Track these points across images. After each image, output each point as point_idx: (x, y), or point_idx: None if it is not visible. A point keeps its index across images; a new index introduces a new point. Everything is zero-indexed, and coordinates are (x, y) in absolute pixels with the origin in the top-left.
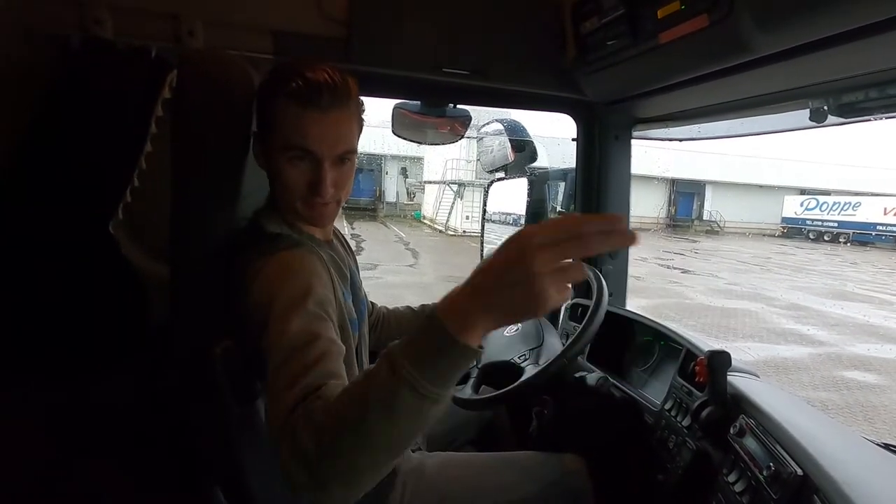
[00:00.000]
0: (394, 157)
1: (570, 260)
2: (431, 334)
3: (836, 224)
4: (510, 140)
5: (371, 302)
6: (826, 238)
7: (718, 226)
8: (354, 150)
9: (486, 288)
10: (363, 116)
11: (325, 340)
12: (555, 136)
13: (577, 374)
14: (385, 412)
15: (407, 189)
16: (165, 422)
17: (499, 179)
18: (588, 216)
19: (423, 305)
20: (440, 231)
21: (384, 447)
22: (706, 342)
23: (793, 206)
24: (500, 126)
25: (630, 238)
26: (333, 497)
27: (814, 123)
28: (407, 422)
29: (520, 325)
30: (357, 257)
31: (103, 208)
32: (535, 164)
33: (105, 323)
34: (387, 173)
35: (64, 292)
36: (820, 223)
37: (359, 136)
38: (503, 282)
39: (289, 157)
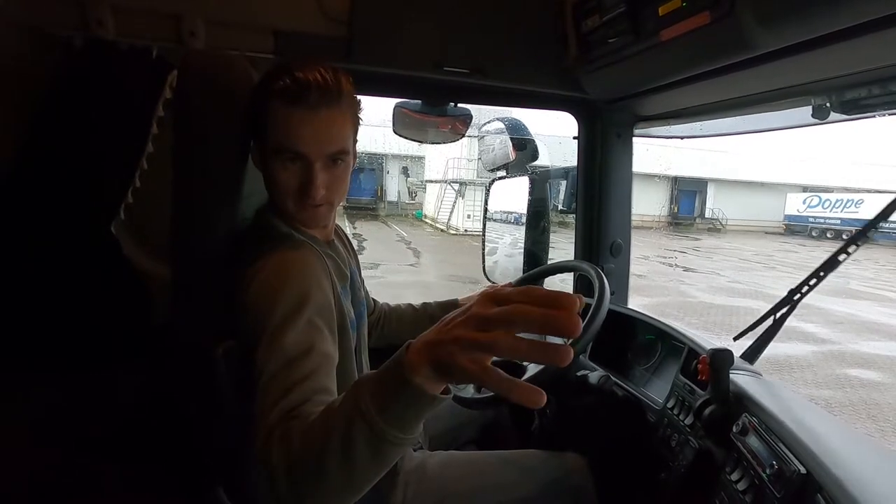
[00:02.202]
0: (395, 157)
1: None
2: (394, 367)
3: (838, 221)
4: (511, 139)
5: (373, 299)
6: (829, 235)
7: (721, 224)
8: (347, 151)
9: (435, 343)
10: (360, 115)
11: (317, 354)
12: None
13: (579, 373)
14: (343, 443)
15: (408, 188)
16: (167, 421)
17: (500, 178)
18: (537, 294)
19: (424, 303)
20: (442, 230)
21: (345, 483)
22: (708, 340)
23: (795, 204)
24: (501, 125)
25: (561, 355)
26: None
27: (816, 120)
28: (362, 459)
29: None
30: (359, 257)
31: (105, 209)
32: (536, 163)
33: (107, 323)
34: (388, 172)
35: (66, 293)
36: (822, 221)
37: (354, 135)
38: (444, 345)
39: (280, 159)
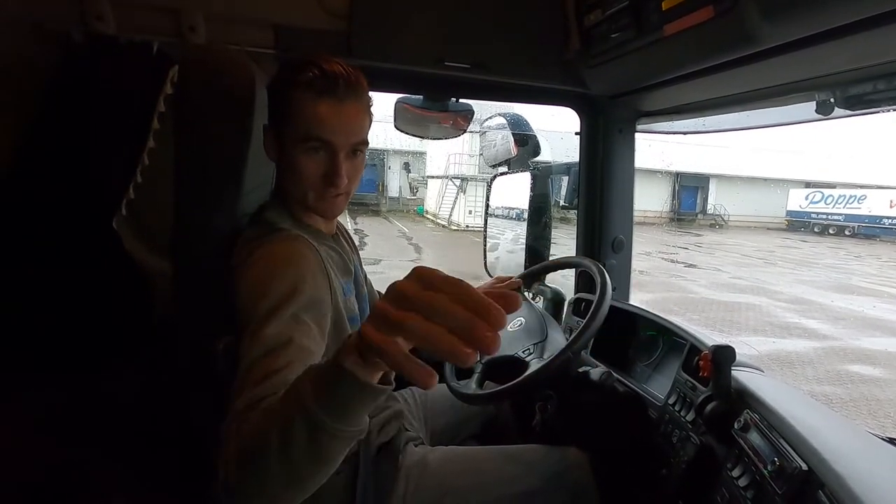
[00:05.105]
0: (396, 152)
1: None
2: (333, 358)
3: (841, 217)
4: (513, 134)
5: (378, 292)
6: (831, 231)
7: (723, 219)
8: (367, 142)
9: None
10: (372, 111)
11: (295, 348)
12: (558, 130)
13: (580, 369)
14: (282, 439)
15: (410, 184)
16: (168, 417)
17: (502, 174)
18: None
19: None
20: (443, 226)
21: (286, 479)
22: (710, 337)
23: (798, 200)
24: (502, 120)
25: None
26: None
27: (820, 116)
28: (300, 452)
29: (523, 319)
30: (360, 252)
31: (106, 204)
32: (538, 159)
33: (108, 319)
34: (389, 168)
35: (67, 289)
36: (825, 216)
37: (369, 129)
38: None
39: (305, 147)
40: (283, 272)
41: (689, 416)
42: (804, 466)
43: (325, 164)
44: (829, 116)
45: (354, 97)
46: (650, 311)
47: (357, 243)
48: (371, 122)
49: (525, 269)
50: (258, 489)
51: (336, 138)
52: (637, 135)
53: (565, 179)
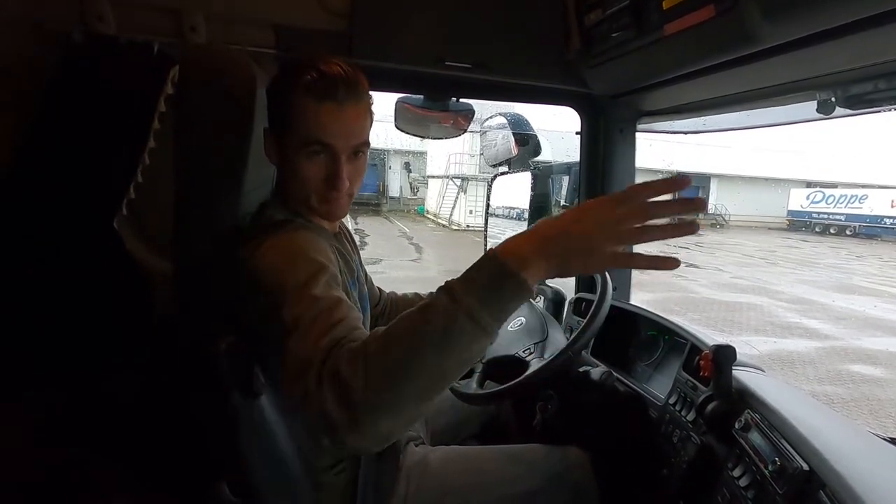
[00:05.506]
0: (397, 152)
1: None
2: (491, 268)
3: (842, 217)
4: (514, 134)
5: (378, 288)
6: (832, 231)
7: (724, 219)
8: (368, 143)
9: (550, 239)
10: (372, 109)
11: (346, 305)
12: (559, 129)
13: (581, 369)
14: (443, 339)
15: (410, 184)
16: (168, 417)
17: (502, 174)
18: (655, 185)
19: (431, 293)
20: (444, 226)
21: (434, 376)
22: (711, 336)
23: (799, 199)
24: (503, 120)
25: (696, 204)
26: (378, 429)
27: (821, 115)
28: (459, 351)
29: (524, 319)
30: (361, 252)
31: (107, 204)
32: (538, 158)
33: (108, 319)
34: (390, 168)
35: (67, 288)
36: (826, 216)
37: (370, 129)
38: (567, 242)
39: (307, 152)
40: (306, 255)
41: (690, 416)
42: (805, 466)
43: (327, 167)
44: (830, 116)
45: (354, 99)
46: (651, 310)
47: (358, 243)
48: (372, 121)
49: None
50: (393, 403)
51: (337, 142)
52: (638, 134)
53: (566, 179)
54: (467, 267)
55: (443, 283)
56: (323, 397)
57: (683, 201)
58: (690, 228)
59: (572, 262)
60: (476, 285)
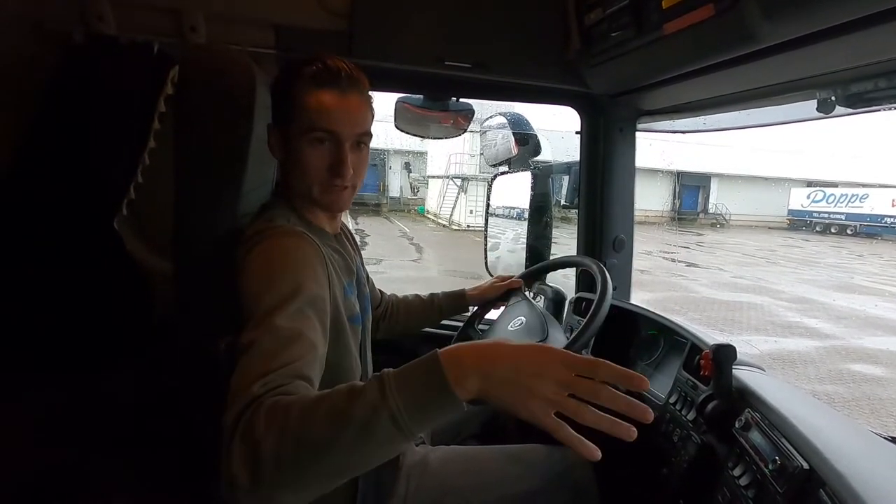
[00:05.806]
0: (397, 152)
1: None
2: (429, 371)
3: (843, 216)
4: (514, 134)
5: (379, 290)
6: (833, 230)
7: (724, 219)
8: (370, 134)
9: (498, 363)
10: (373, 107)
11: (306, 342)
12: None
13: None
14: (362, 433)
15: (410, 184)
16: (168, 417)
17: (502, 173)
18: (618, 373)
19: (432, 294)
20: (444, 226)
21: (344, 466)
22: (711, 335)
23: (799, 199)
24: (503, 119)
25: (639, 412)
26: (276, 502)
27: (821, 114)
28: (375, 447)
29: (524, 318)
30: (362, 252)
31: (107, 205)
32: (538, 158)
33: (108, 319)
34: (390, 168)
35: (67, 289)
36: (827, 215)
37: (371, 123)
38: (514, 375)
39: (310, 139)
40: (289, 267)
41: (690, 415)
42: (805, 465)
43: (331, 155)
44: (830, 115)
45: (357, 89)
46: (651, 310)
47: (358, 243)
48: (373, 117)
49: (526, 268)
50: (296, 480)
51: (341, 128)
52: (638, 134)
53: (566, 179)
54: (466, 268)
55: (380, 372)
56: (232, 451)
57: (631, 404)
58: (628, 433)
59: (505, 395)
60: (409, 386)
